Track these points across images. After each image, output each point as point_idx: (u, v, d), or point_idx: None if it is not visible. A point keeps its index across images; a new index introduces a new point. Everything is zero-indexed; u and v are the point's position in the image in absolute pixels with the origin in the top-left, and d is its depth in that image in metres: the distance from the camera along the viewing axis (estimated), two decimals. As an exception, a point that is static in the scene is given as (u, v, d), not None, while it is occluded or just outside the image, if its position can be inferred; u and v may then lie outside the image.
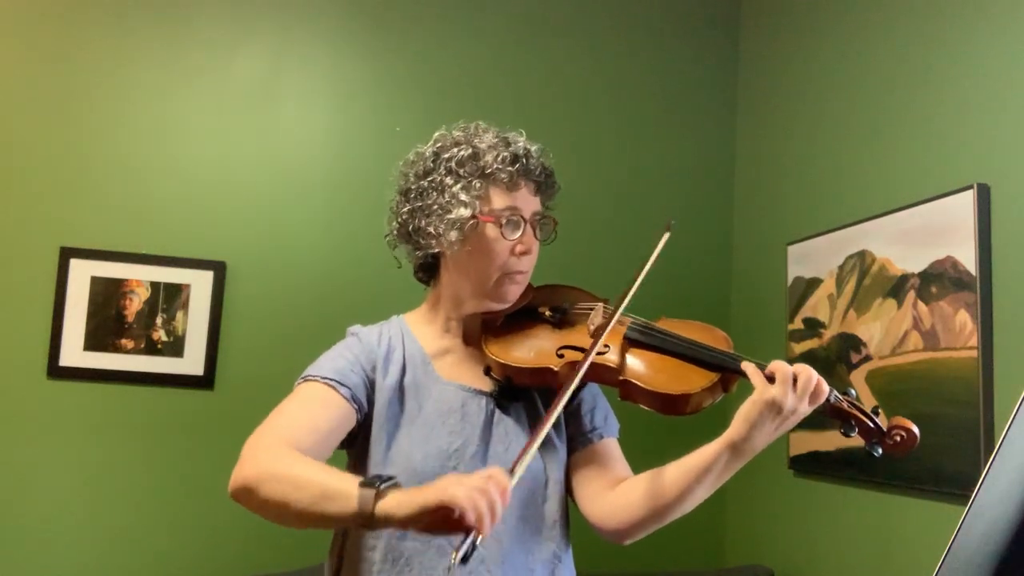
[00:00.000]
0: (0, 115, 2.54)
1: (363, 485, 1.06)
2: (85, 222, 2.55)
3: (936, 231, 2.07)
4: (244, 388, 2.56)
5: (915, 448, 1.22)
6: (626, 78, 3.03)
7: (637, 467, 1.41)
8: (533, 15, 2.97)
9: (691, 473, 1.24)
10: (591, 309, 1.40)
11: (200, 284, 2.59)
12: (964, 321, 1.96)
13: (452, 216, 1.32)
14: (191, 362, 2.57)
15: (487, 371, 1.38)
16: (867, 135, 2.40)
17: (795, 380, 1.19)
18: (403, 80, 2.84)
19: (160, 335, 2.56)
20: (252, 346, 2.61)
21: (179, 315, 2.58)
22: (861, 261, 2.34)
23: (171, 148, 2.64)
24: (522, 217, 1.35)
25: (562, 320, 1.41)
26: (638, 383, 1.28)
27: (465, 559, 0.97)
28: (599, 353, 1.30)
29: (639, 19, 3.06)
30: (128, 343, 2.54)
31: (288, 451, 1.17)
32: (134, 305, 2.55)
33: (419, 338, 1.42)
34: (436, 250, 1.37)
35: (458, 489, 0.99)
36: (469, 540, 0.98)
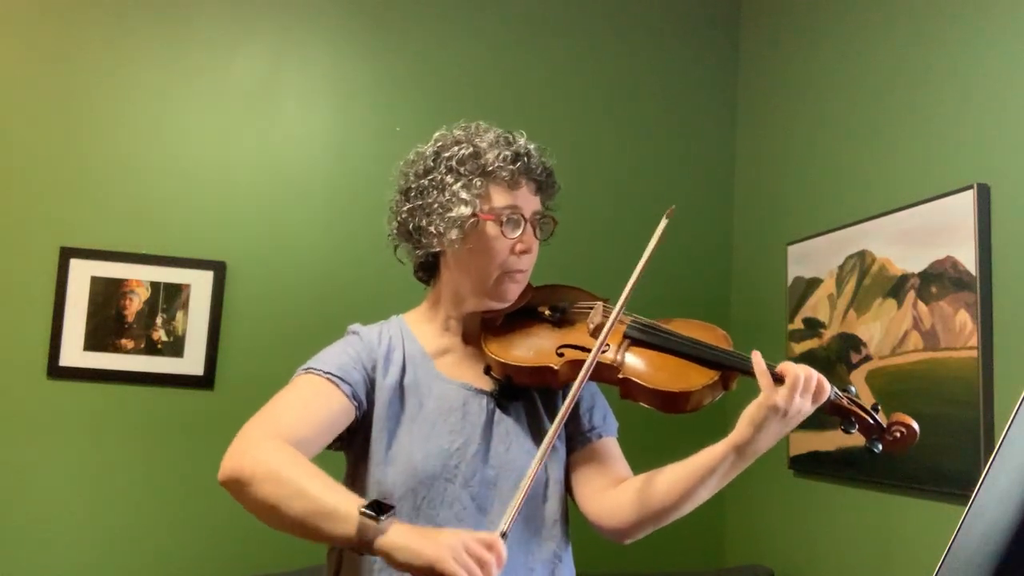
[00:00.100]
0: (0, 115, 2.54)
1: (364, 513, 1.06)
2: (85, 222, 2.55)
3: (936, 231, 2.07)
4: (244, 388, 2.56)
5: (915, 444, 1.23)
6: (626, 78, 3.03)
7: (637, 465, 1.41)
8: (533, 15, 2.97)
9: (694, 474, 1.24)
10: (590, 308, 1.40)
11: (200, 284, 2.59)
12: (964, 321, 1.96)
13: (452, 214, 1.32)
14: (191, 362, 2.57)
15: (487, 370, 1.38)
16: (867, 135, 2.40)
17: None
18: (403, 80, 2.84)
19: (160, 335, 2.56)
20: (252, 346, 2.61)
21: (179, 315, 2.58)
22: (861, 261, 2.34)
23: (171, 148, 2.64)
24: (522, 216, 1.35)
25: (562, 319, 1.41)
26: (638, 381, 1.29)
27: None
28: (600, 351, 1.30)
29: (639, 19, 3.06)
30: (128, 343, 2.54)
31: (288, 450, 1.16)
32: (134, 305, 2.55)
33: (419, 337, 1.42)
34: (436, 249, 1.37)
35: (460, 557, 1.02)
36: None
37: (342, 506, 1.08)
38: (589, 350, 1.28)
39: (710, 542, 2.90)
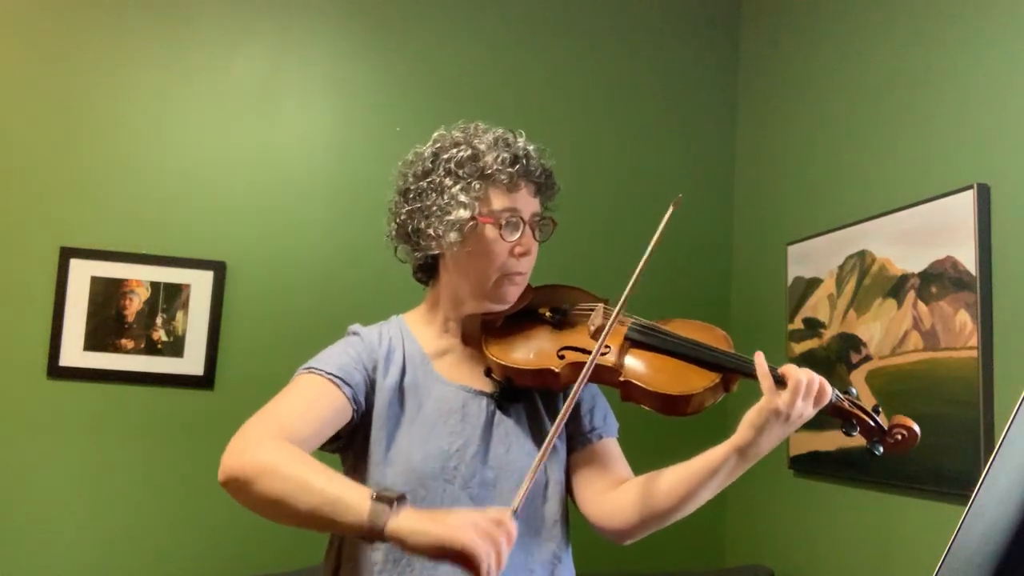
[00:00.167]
0: (0, 115, 2.54)
1: (377, 499, 1.06)
2: (85, 222, 2.55)
3: (936, 231, 2.07)
4: (244, 388, 2.56)
5: (916, 446, 1.23)
6: (626, 78, 3.03)
7: (638, 467, 1.41)
8: (533, 15, 2.97)
9: (696, 476, 1.24)
10: (591, 310, 1.40)
11: (200, 284, 2.59)
12: (964, 321, 1.96)
13: (451, 217, 1.31)
14: (191, 362, 2.57)
15: (487, 372, 1.38)
16: (867, 135, 2.40)
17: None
18: (403, 80, 2.84)
19: (160, 335, 2.56)
20: (252, 346, 2.61)
21: (179, 315, 2.58)
22: (861, 261, 2.34)
23: (171, 148, 2.64)
24: (521, 218, 1.35)
25: (562, 321, 1.41)
26: (639, 384, 1.29)
27: None
28: (600, 354, 1.30)
29: (639, 19, 3.06)
30: (128, 343, 2.54)
31: (288, 446, 1.16)
32: (134, 305, 2.55)
33: (418, 338, 1.42)
34: (435, 251, 1.36)
35: (476, 538, 1.01)
36: None
37: (352, 495, 1.08)
38: (590, 352, 1.28)
39: (710, 542, 2.90)
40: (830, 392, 1.22)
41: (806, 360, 2.50)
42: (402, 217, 1.38)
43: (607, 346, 1.32)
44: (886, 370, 2.19)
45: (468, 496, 1.30)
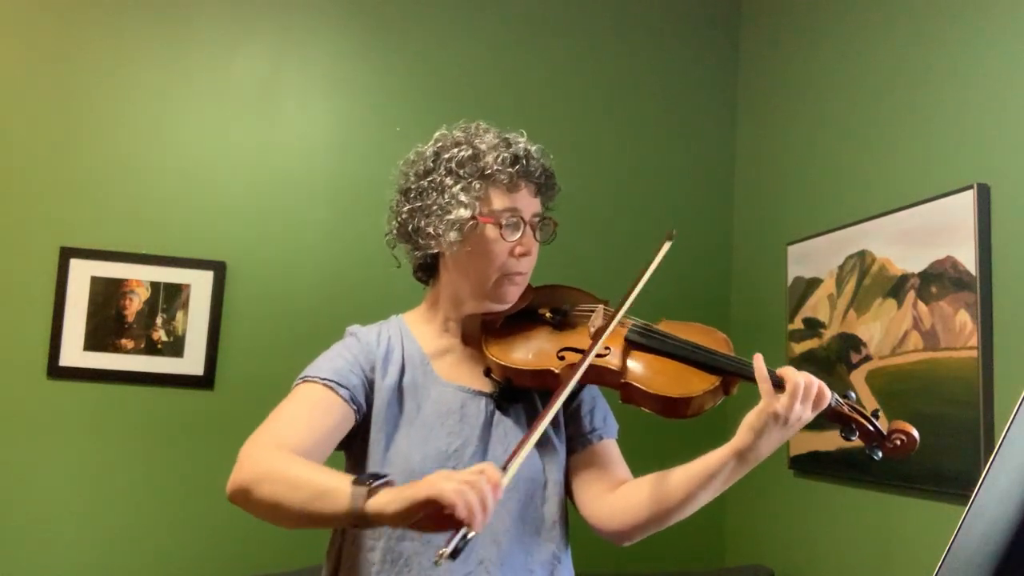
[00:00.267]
0: (0, 115, 2.54)
1: (355, 483, 1.06)
2: (85, 222, 2.55)
3: (936, 231, 2.07)
4: (244, 388, 2.56)
5: (914, 451, 1.23)
6: (626, 78, 3.03)
7: (637, 468, 1.41)
8: (533, 15, 2.97)
9: (696, 479, 1.24)
10: (592, 311, 1.40)
11: (200, 284, 2.59)
12: (964, 321, 1.96)
13: (452, 217, 1.31)
14: (191, 362, 2.57)
15: (487, 372, 1.38)
16: (867, 135, 2.40)
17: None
18: (403, 80, 2.84)
19: (160, 335, 2.56)
20: (252, 346, 2.61)
21: (179, 315, 2.58)
22: (861, 261, 2.34)
23: (171, 148, 2.64)
24: (521, 218, 1.35)
25: (563, 322, 1.41)
26: (639, 386, 1.29)
27: (455, 554, 0.97)
28: (600, 356, 1.30)
29: (639, 19, 3.06)
30: (128, 343, 2.54)
31: (284, 452, 1.17)
32: (134, 305, 2.55)
33: (418, 338, 1.41)
34: (435, 250, 1.36)
35: (447, 483, 0.99)
36: (459, 535, 0.97)
37: (335, 483, 1.08)
38: (587, 351, 1.28)
39: (710, 542, 2.90)
40: (829, 396, 1.22)
41: (806, 360, 2.50)
42: (403, 216, 1.38)
43: (607, 348, 1.32)
44: (886, 370, 2.19)
45: (468, 496, 1.29)
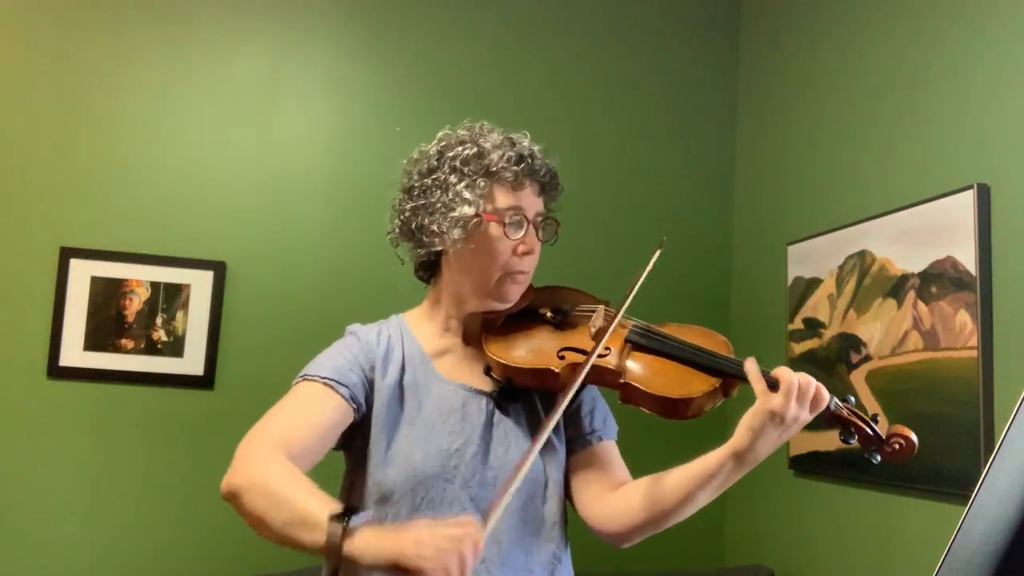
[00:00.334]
0: (0, 115, 2.54)
1: (332, 518, 1.04)
2: (85, 222, 2.55)
3: (936, 231, 2.07)
4: (244, 388, 2.56)
5: (913, 456, 1.23)
6: (626, 78, 3.03)
7: (636, 469, 1.41)
8: (533, 15, 2.97)
9: (694, 480, 1.24)
10: (592, 311, 1.40)
11: (200, 284, 2.59)
12: (964, 321, 1.96)
13: (456, 214, 1.31)
14: (191, 362, 2.57)
15: (487, 371, 1.38)
16: (867, 135, 2.40)
17: (798, 389, 1.19)
18: (403, 80, 2.84)
19: (160, 335, 2.56)
20: (252, 346, 2.61)
21: (179, 315, 2.58)
22: (861, 261, 2.34)
23: (171, 148, 2.64)
24: (525, 217, 1.35)
25: (563, 321, 1.41)
26: (639, 387, 1.29)
27: None
28: (600, 356, 1.30)
29: (639, 19, 3.06)
30: (128, 343, 2.54)
31: (279, 459, 1.16)
32: (134, 305, 2.55)
33: (418, 337, 1.41)
34: (439, 248, 1.36)
35: (428, 550, 0.98)
36: None
37: (316, 514, 1.06)
38: (590, 353, 1.28)
39: (710, 542, 2.90)
40: (827, 397, 1.22)
41: (806, 360, 2.50)
42: (406, 214, 1.38)
43: (608, 348, 1.32)
44: (886, 370, 2.19)
45: (468, 496, 1.30)
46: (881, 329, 2.23)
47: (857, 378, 2.29)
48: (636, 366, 1.32)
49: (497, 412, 1.37)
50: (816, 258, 2.52)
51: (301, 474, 1.15)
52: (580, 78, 2.99)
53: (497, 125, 1.41)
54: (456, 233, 1.31)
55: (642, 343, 1.34)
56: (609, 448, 1.43)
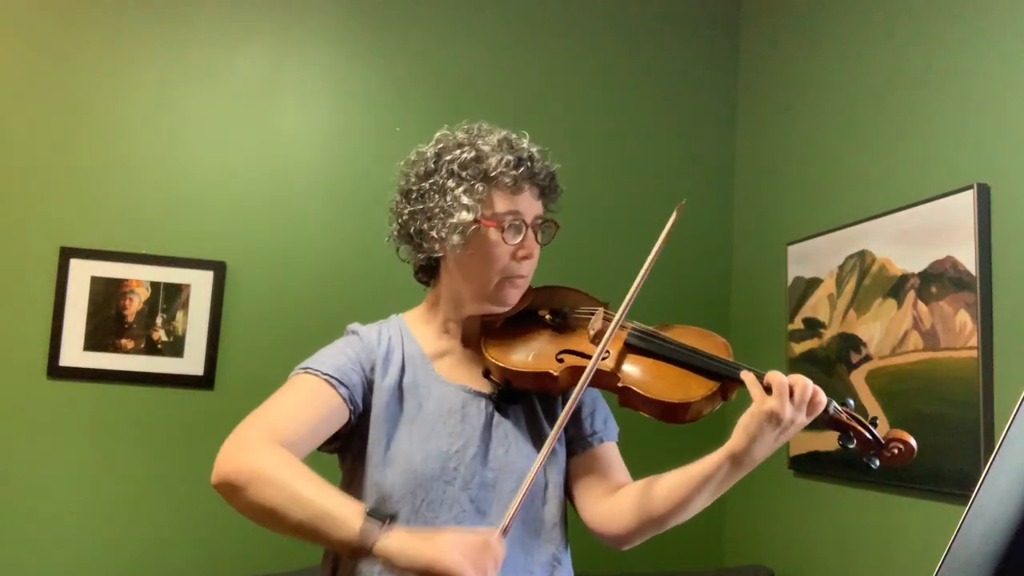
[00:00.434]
0: (0, 115, 2.54)
1: (369, 517, 1.08)
2: (85, 222, 2.55)
3: (936, 231, 2.07)
4: (244, 388, 2.56)
5: (912, 460, 1.23)
6: (626, 78, 3.03)
7: (636, 470, 1.41)
8: (533, 15, 2.97)
9: (692, 482, 1.24)
10: (591, 313, 1.40)
11: (200, 284, 2.59)
12: (964, 321, 1.96)
13: (454, 220, 1.30)
14: (191, 362, 2.57)
15: (486, 374, 1.38)
16: (867, 135, 2.40)
17: (792, 391, 1.19)
18: (403, 80, 2.84)
19: (160, 335, 2.56)
20: (252, 346, 2.61)
21: (179, 315, 2.58)
22: (861, 261, 2.33)
23: (171, 148, 2.64)
24: (524, 221, 1.34)
25: (562, 324, 1.40)
26: (637, 390, 1.28)
27: None
28: (600, 359, 1.30)
29: (639, 19, 3.06)
30: (128, 343, 2.54)
31: (282, 453, 1.16)
32: (134, 305, 2.55)
33: (418, 338, 1.41)
34: (438, 253, 1.36)
35: (463, 563, 1.03)
36: None
37: (343, 510, 1.09)
38: (589, 356, 1.28)
39: (710, 542, 2.90)
40: (824, 401, 1.21)
41: (806, 360, 2.50)
42: (404, 218, 1.38)
43: (607, 351, 1.31)
44: (886, 370, 2.19)
45: (468, 497, 1.29)
46: (881, 329, 2.23)
47: (857, 378, 2.29)
48: (635, 370, 1.32)
49: (496, 414, 1.37)
50: (816, 258, 2.52)
51: (306, 467, 1.16)
52: (580, 78, 2.99)
53: (497, 125, 1.40)
54: (455, 239, 1.31)
55: (641, 346, 1.34)
56: (610, 450, 1.43)
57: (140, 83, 2.64)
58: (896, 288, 2.19)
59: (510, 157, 1.32)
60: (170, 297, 2.57)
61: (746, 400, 1.23)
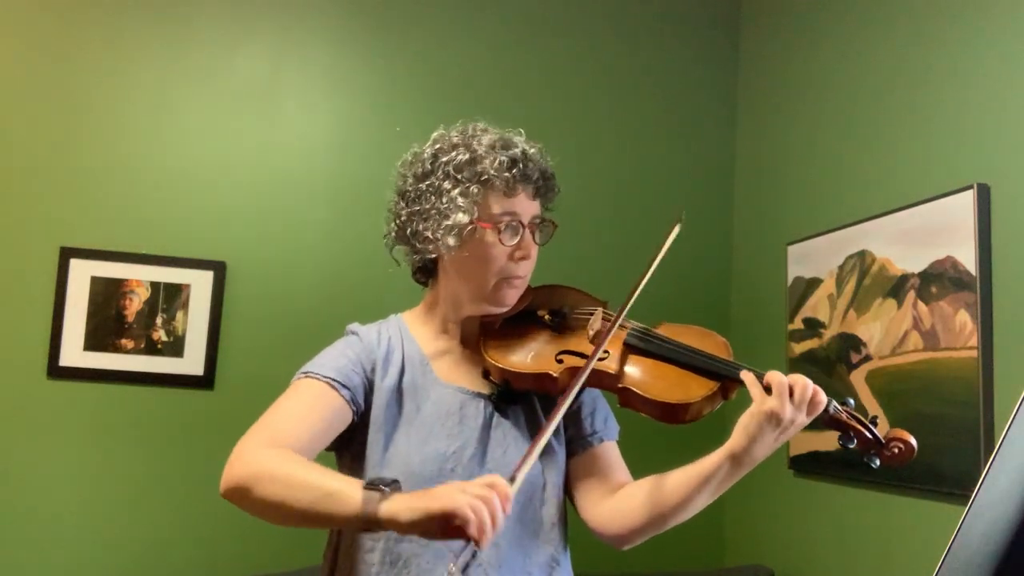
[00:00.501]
0: (0, 115, 2.54)
1: (368, 487, 1.07)
2: (85, 222, 2.55)
3: (936, 231, 2.07)
4: (244, 388, 2.56)
5: (912, 460, 1.23)
6: (626, 78, 3.03)
7: (636, 470, 1.41)
8: (533, 15, 2.97)
9: (692, 482, 1.24)
10: (590, 314, 1.39)
11: (200, 284, 2.59)
12: (964, 321, 1.96)
13: (450, 221, 1.31)
14: (191, 362, 2.57)
15: (486, 374, 1.38)
16: (867, 135, 2.40)
17: (791, 391, 1.19)
18: (403, 80, 2.84)
19: (160, 335, 2.56)
20: (252, 346, 2.61)
21: (179, 315, 2.58)
22: (861, 261, 2.33)
23: (171, 148, 2.64)
24: (520, 222, 1.34)
25: (561, 324, 1.40)
26: (637, 391, 1.28)
27: (464, 568, 0.98)
28: (599, 359, 1.30)
29: (639, 19, 3.06)
30: (128, 343, 2.54)
31: (282, 451, 1.17)
32: (134, 305, 2.55)
33: (417, 338, 1.41)
34: (434, 255, 1.36)
35: (462, 497, 1.01)
36: (469, 549, 0.99)
37: (343, 487, 1.09)
38: (589, 357, 1.27)
39: (710, 542, 2.90)
40: (824, 400, 1.21)
41: (806, 360, 2.50)
42: (401, 218, 1.38)
43: (606, 351, 1.31)
44: (886, 370, 2.19)
45: (466, 498, 1.29)
46: (881, 329, 2.23)
47: (857, 378, 2.29)
48: (635, 370, 1.32)
49: (496, 415, 1.36)
50: (816, 258, 2.52)
51: (302, 457, 1.16)
52: (580, 78, 2.99)
53: (497, 125, 1.40)
54: (451, 240, 1.31)
55: (641, 346, 1.34)
56: (610, 449, 1.43)
57: (140, 83, 2.64)
58: (896, 288, 2.19)
59: (504, 158, 1.32)
60: (170, 297, 2.57)
61: (746, 400, 1.23)
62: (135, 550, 2.48)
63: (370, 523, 1.06)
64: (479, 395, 1.37)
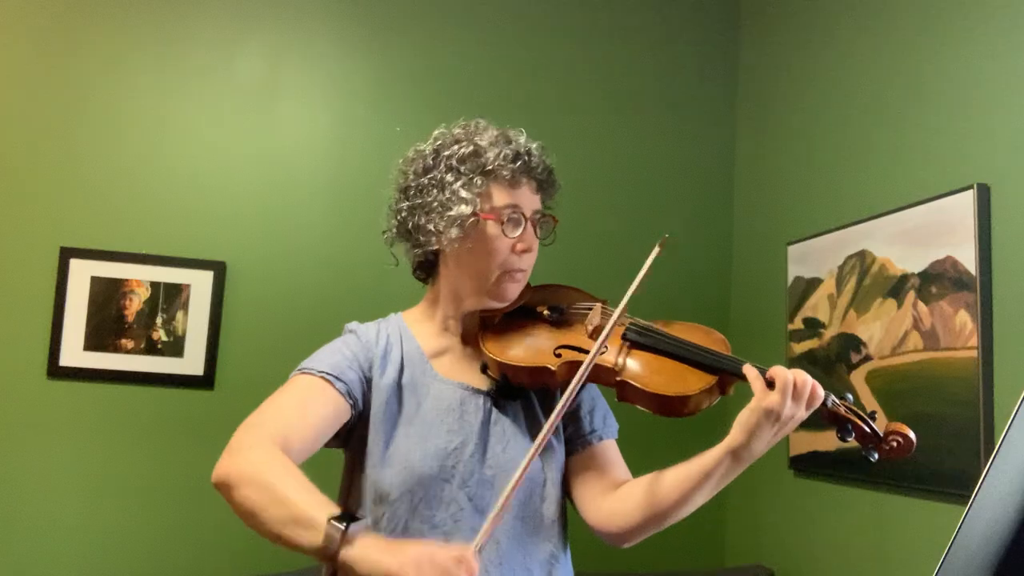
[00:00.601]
0: (0, 115, 2.54)
1: (331, 522, 1.05)
2: (85, 222, 2.55)
3: (936, 231, 2.07)
4: (244, 388, 2.56)
5: (911, 453, 1.23)
6: (626, 79, 3.03)
7: (635, 467, 1.41)
8: (533, 15, 2.97)
9: (691, 479, 1.24)
10: (589, 309, 1.40)
11: (200, 284, 2.59)
12: (964, 321, 1.96)
13: (453, 213, 1.31)
14: (191, 362, 2.57)
15: (483, 369, 1.38)
16: (867, 135, 2.40)
17: (793, 386, 1.19)
18: (403, 79, 2.84)
19: (160, 335, 2.56)
20: (252, 346, 2.61)
21: (179, 315, 2.58)
22: (861, 261, 2.33)
23: (171, 148, 2.64)
24: (523, 215, 1.35)
25: (560, 319, 1.41)
26: (635, 384, 1.28)
27: None
28: (598, 353, 1.30)
29: (639, 19, 3.06)
30: (128, 343, 2.54)
31: (277, 455, 1.15)
32: (134, 305, 2.55)
33: (417, 336, 1.41)
34: (435, 248, 1.36)
35: (423, 570, 0.99)
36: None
37: (314, 514, 1.06)
38: (587, 351, 1.28)
39: (710, 542, 2.90)
40: (822, 394, 1.21)
41: (806, 360, 2.50)
42: (402, 214, 1.38)
43: (605, 346, 1.31)
44: (886, 370, 2.19)
45: (466, 495, 1.30)
46: (881, 329, 2.23)
47: (857, 378, 2.29)
48: (633, 363, 1.32)
49: (495, 411, 1.37)
50: (816, 258, 2.52)
51: (298, 471, 1.14)
52: (580, 79, 2.99)
53: (497, 125, 1.41)
54: (453, 232, 1.31)
55: (639, 340, 1.34)
56: (609, 447, 1.43)
57: (140, 83, 2.64)
58: (896, 288, 2.19)
59: (508, 151, 1.33)
60: (170, 297, 2.57)
61: (744, 394, 1.23)
62: (135, 550, 2.48)
63: (330, 562, 1.04)
64: (478, 391, 1.37)
